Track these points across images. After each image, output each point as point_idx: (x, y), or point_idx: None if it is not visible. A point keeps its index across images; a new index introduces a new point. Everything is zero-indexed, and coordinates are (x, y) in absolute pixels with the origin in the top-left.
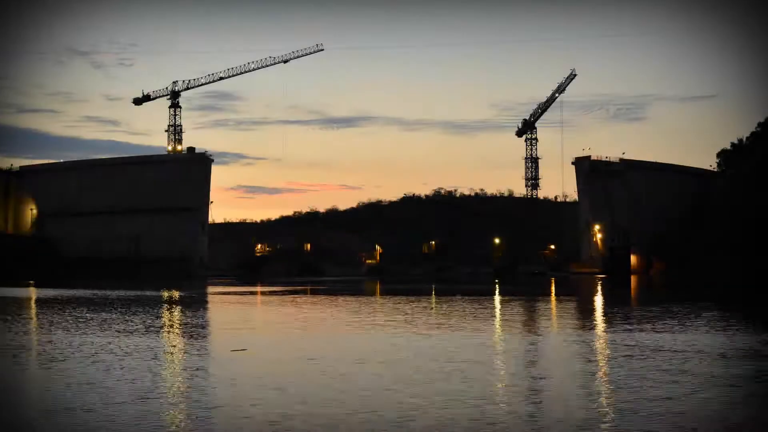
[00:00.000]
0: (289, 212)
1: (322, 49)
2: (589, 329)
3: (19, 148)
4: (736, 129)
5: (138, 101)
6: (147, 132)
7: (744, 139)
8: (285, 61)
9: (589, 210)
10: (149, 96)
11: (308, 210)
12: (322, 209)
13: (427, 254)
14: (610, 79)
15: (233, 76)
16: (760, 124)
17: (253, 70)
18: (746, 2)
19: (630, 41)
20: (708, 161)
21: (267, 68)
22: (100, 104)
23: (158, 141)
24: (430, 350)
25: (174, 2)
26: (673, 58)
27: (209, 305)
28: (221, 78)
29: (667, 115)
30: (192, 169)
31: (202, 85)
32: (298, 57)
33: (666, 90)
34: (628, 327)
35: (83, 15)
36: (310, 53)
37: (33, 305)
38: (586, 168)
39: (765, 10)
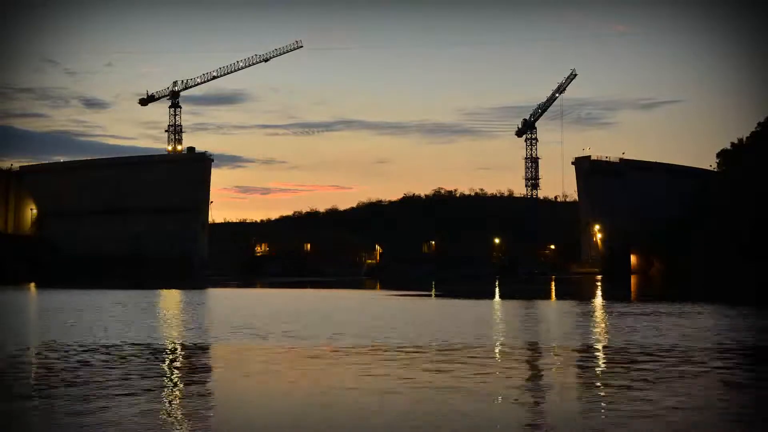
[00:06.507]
0: (289, 212)
1: (301, 46)
2: None
3: (13, 149)
4: (736, 129)
5: (144, 101)
6: (138, 135)
7: (744, 139)
8: (266, 60)
9: (589, 210)
10: (153, 96)
11: (308, 210)
12: (322, 209)
13: (427, 254)
14: (609, 79)
15: (225, 74)
16: (760, 124)
17: (241, 68)
18: (746, 3)
19: (629, 42)
20: (707, 162)
21: (255, 71)
22: (90, 107)
23: (146, 143)
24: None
25: (155, 8)
26: (673, 58)
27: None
28: (214, 77)
29: (666, 116)
30: (192, 169)
31: (198, 84)
32: (279, 55)
33: (665, 91)
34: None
35: (64, 24)
36: (291, 50)
37: None
38: (586, 168)
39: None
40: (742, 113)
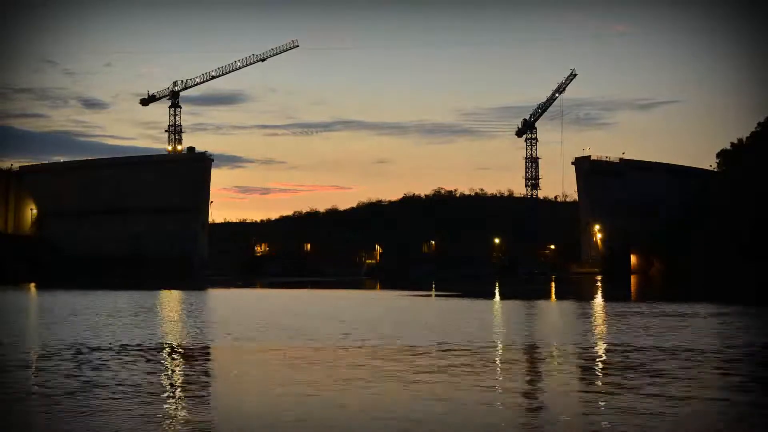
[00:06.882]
0: (289, 212)
1: (297, 46)
2: None
3: (13, 149)
4: (736, 129)
5: (145, 102)
6: (137, 135)
7: (744, 139)
8: (263, 59)
9: (589, 210)
10: (154, 96)
11: (308, 210)
12: (322, 209)
13: (427, 254)
14: (609, 79)
15: (224, 74)
16: (760, 124)
17: (239, 68)
18: (746, 3)
19: (628, 42)
20: (707, 162)
21: (254, 71)
22: (89, 108)
23: (146, 143)
24: None
25: (154, 8)
26: (673, 58)
27: None
28: (213, 77)
29: (665, 116)
30: (192, 169)
31: (197, 84)
32: (275, 55)
33: (664, 91)
34: None
35: (64, 24)
36: (287, 50)
37: None
38: (586, 168)
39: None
40: (742, 113)
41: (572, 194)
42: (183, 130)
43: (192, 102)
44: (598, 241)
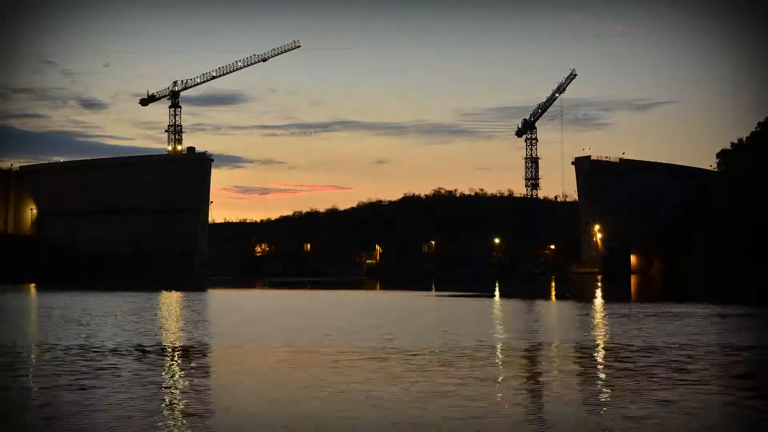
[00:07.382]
0: (288, 212)
1: (299, 46)
2: None
3: (13, 149)
4: (736, 129)
5: (144, 102)
6: (136, 136)
7: (744, 139)
8: (264, 60)
9: (589, 210)
10: (154, 96)
11: (308, 210)
12: (322, 209)
13: (427, 254)
14: (609, 79)
15: (224, 74)
16: (760, 124)
17: (240, 69)
18: (746, 3)
19: (628, 42)
20: (707, 162)
21: (253, 71)
22: (88, 108)
23: (145, 143)
24: None
25: (154, 8)
26: (672, 59)
27: None
28: (213, 77)
29: (664, 116)
30: (192, 169)
31: (197, 84)
32: (277, 55)
33: (664, 91)
34: None
35: (63, 24)
36: (288, 50)
37: None
38: (586, 168)
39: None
40: (741, 113)
41: (572, 194)
42: (183, 130)
43: (192, 102)
44: (598, 241)
